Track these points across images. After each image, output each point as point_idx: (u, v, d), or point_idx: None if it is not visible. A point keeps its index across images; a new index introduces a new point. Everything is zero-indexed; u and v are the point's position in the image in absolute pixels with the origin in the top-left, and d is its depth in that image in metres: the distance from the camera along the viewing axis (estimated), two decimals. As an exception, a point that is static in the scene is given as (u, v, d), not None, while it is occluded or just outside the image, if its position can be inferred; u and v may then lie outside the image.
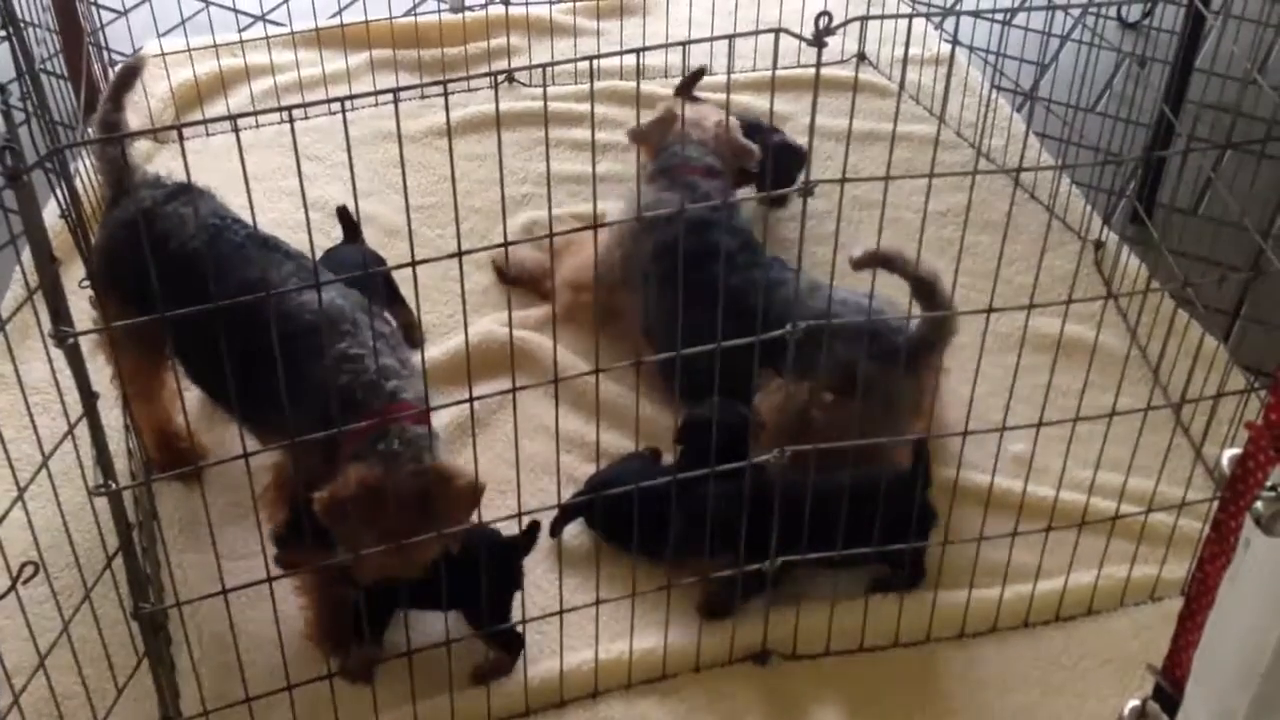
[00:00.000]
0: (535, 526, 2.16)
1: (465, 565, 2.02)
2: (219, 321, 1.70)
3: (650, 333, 2.62)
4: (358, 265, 2.48)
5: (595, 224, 1.86)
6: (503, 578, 2.13)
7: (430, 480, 1.93)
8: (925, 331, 2.34)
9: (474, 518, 1.96)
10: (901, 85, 3.43)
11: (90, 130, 2.92)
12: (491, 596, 2.06)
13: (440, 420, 2.52)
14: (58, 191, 2.29)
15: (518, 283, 2.87)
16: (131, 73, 2.30)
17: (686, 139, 2.77)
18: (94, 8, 3.36)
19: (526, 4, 3.66)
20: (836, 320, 2.07)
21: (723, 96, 3.02)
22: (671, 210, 2.40)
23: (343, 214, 2.73)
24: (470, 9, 3.74)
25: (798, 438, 2.15)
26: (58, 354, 1.59)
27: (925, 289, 2.25)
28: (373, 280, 2.49)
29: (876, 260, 2.21)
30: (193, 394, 2.35)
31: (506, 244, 1.78)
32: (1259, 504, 1.08)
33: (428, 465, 1.94)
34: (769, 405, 2.35)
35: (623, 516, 2.14)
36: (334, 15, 3.75)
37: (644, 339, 2.61)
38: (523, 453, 2.08)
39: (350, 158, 1.66)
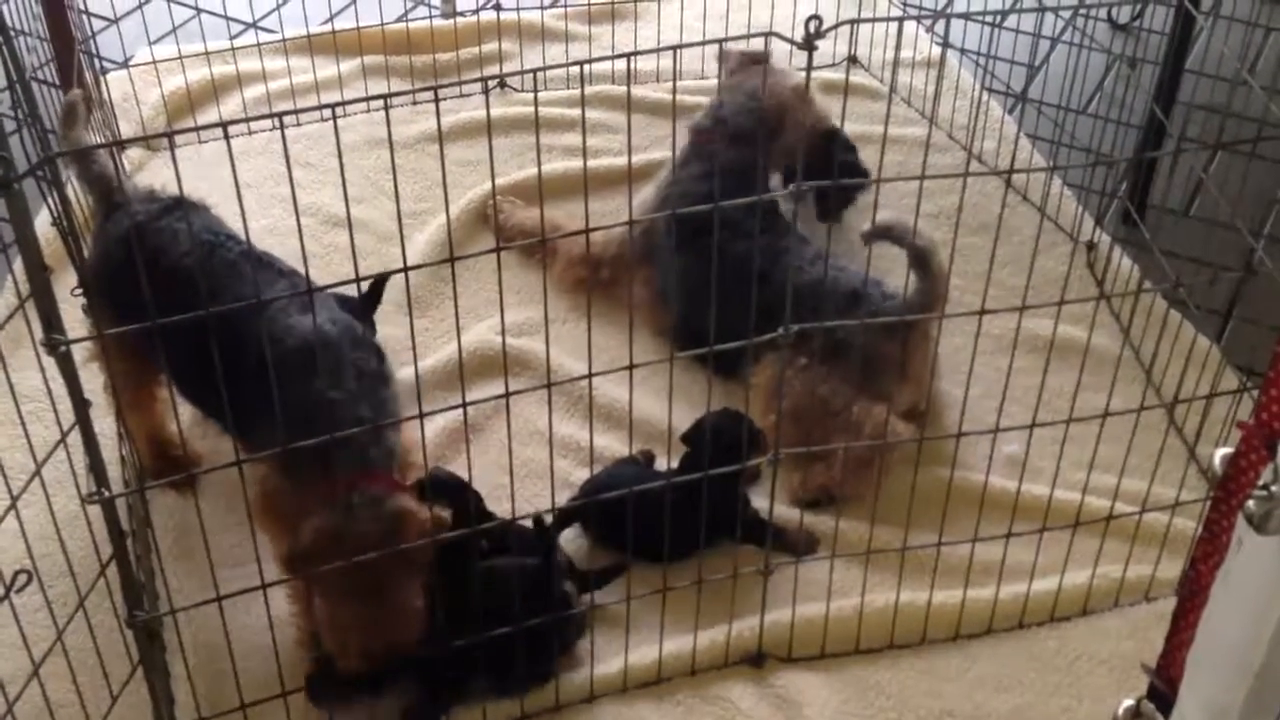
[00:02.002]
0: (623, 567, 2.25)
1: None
2: (208, 337, 1.70)
3: (666, 297, 2.71)
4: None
5: (588, 228, 1.86)
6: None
7: (388, 520, 1.95)
8: (914, 299, 2.45)
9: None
10: (892, 88, 3.44)
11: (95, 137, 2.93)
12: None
13: (435, 425, 2.53)
14: (49, 200, 2.29)
15: (512, 240, 2.94)
16: (72, 108, 2.31)
17: (739, 88, 2.83)
18: (85, 16, 3.36)
19: (518, 9, 3.66)
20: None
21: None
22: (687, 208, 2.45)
23: (376, 284, 2.60)
24: (462, 14, 3.74)
25: (794, 410, 2.33)
26: (50, 362, 1.58)
27: (920, 257, 2.41)
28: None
29: (882, 232, 2.38)
30: (187, 404, 2.35)
31: (499, 249, 1.77)
32: (1251, 503, 1.08)
33: (386, 509, 1.96)
34: (764, 377, 2.45)
35: (618, 520, 2.14)
36: (326, 21, 3.75)
37: (660, 305, 2.72)
38: (517, 458, 2.09)
39: (341, 164, 1.66)
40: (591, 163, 3.20)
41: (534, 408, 2.54)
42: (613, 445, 2.50)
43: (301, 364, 2.03)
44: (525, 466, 2.45)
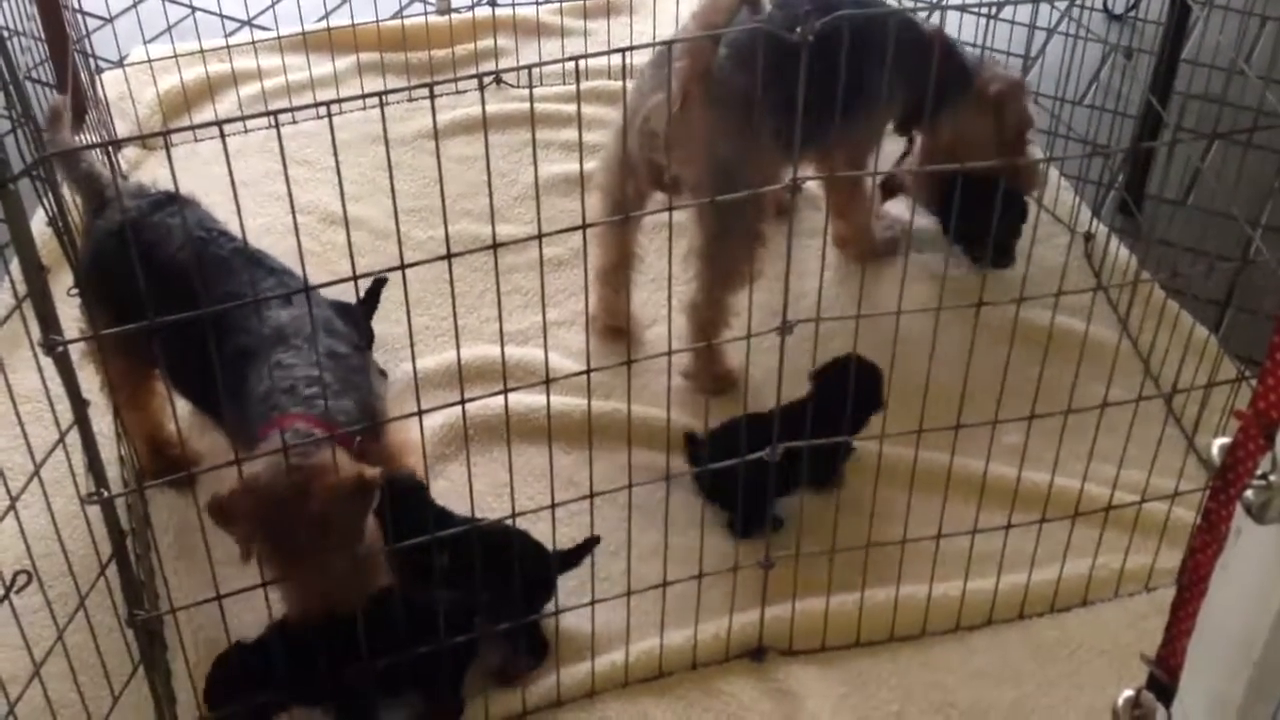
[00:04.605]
0: (594, 541, 2.19)
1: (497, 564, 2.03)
2: (198, 333, 1.70)
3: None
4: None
5: (584, 224, 1.85)
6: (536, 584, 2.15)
7: (309, 475, 1.90)
8: None
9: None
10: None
11: (90, 137, 2.92)
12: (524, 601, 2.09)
13: (433, 422, 2.53)
14: (45, 200, 2.28)
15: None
16: (57, 113, 2.31)
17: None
18: (80, 15, 3.35)
19: (513, 5, 3.66)
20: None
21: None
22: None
23: (373, 288, 2.66)
24: (457, 11, 3.74)
25: None
26: (48, 362, 1.58)
27: None
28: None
29: None
30: (184, 401, 2.35)
31: (495, 245, 1.77)
32: (1249, 492, 1.08)
33: (308, 462, 1.91)
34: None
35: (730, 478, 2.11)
36: (320, 19, 3.75)
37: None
38: (517, 457, 2.08)
39: (337, 162, 1.66)
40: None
41: (532, 411, 2.54)
42: (612, 445, 2.50)
43: (272, 344, 2.05)
44: (527, 466, 2.45)
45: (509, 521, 2.02)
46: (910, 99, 2.74)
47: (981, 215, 2.55)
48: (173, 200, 2.25)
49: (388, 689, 2.06)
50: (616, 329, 2.76)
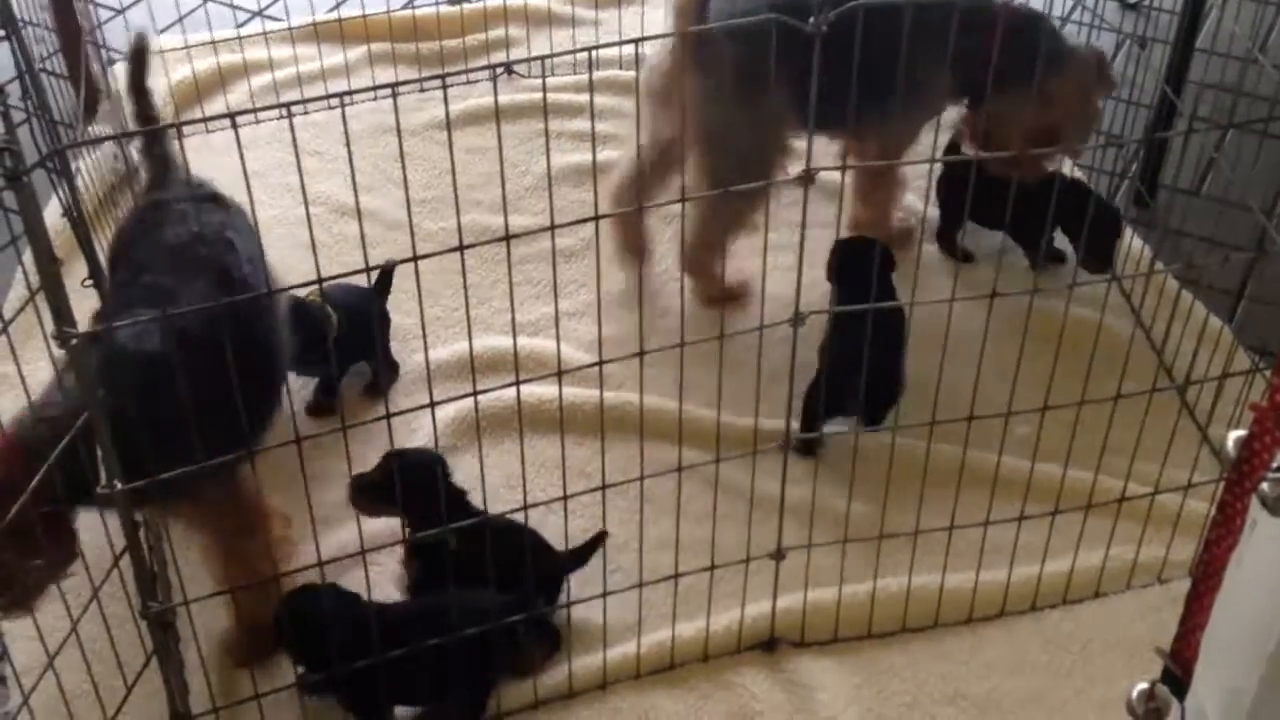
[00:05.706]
0: (601, 537, 2.22)
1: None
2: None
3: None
4: (354, 305, 2.53)
5: (596, 215, 1.85)
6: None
7: None
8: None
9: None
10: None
11: (103, 128, 2.92)
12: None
13: (445, 413, 2.53)
14: (59, 191, 2.29)
15: None
16: (141, 54, 2.26)
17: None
18: (92, 6, 3.35)
19: (524, -5, 3.66)
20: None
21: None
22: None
23: (385, 274, 2.67)
24: (467, 0, 3.73)
25: None
26: (61, 354, 1.59)
27: None
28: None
29: None
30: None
31: (508, 237, 1.77)
32: (1265, 485, 1.08)
33: None
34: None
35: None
36: (331, 9, 3.75)
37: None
38: (529, 449, 2.08)
39: (350, 153, 1.66)
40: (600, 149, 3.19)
41: (544, 404, 2.54)
42: (622, 438, 2.50)
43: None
44: (540, 457, 2.45)
45: (519, 514, 2.03)
46: (964, 83, 2.62)
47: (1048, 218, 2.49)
48: (216, 200, 2.24)
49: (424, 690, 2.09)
50: (633, 245, 2.75)
